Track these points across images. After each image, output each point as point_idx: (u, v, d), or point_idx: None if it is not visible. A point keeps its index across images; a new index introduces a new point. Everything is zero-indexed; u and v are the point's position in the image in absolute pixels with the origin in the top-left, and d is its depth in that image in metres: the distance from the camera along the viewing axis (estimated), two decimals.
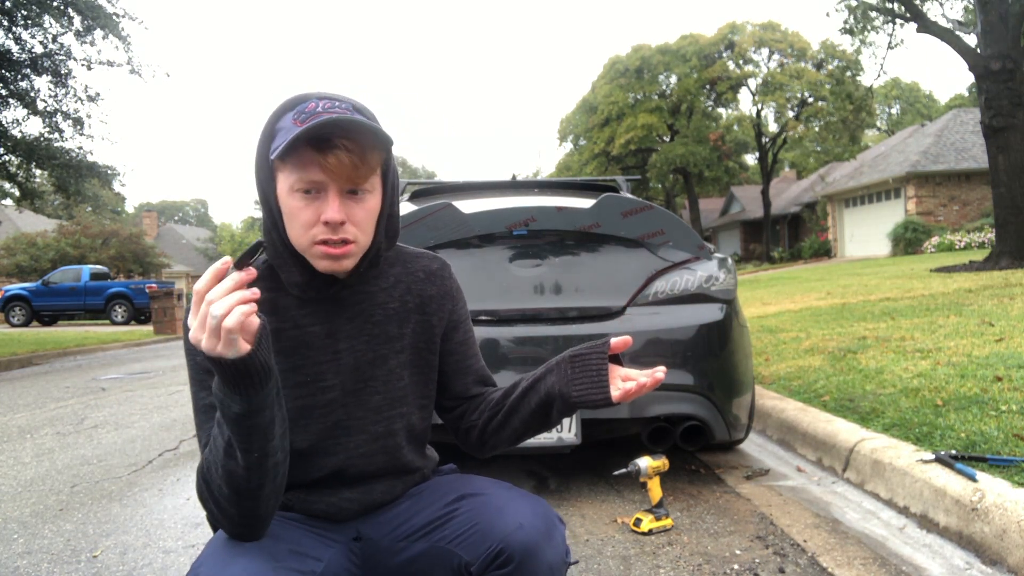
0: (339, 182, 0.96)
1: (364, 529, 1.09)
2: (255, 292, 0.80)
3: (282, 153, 0.94)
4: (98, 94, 10.86)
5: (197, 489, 0.96)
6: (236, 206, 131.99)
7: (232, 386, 0.82)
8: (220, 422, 0.88)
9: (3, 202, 13.65)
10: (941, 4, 16.97)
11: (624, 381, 1.01)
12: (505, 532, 0.96)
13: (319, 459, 1.07)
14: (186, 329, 1.02)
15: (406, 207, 2.75)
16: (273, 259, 1.04)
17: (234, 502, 0.91)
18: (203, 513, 1.52)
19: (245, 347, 0.80)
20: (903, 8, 12.45)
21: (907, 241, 20.23)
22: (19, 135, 10.54)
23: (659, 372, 0.98)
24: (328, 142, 0.93)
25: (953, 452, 2.16)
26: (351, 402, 1.07)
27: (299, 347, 1.04)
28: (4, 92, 10.05)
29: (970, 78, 13.83)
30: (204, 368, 1.00)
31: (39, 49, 10.20)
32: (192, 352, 1.01)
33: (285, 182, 0.97)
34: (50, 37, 10.22)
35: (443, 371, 1.19)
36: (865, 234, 24.52)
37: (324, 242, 0.97)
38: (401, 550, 1.07)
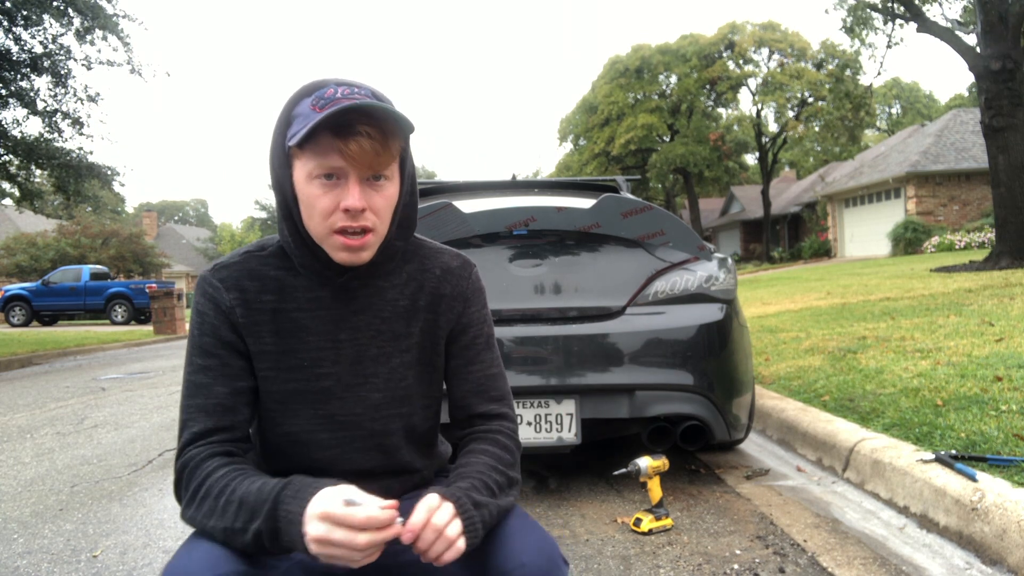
0: (359, 169, 0.95)
1: None
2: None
3: (302, 139, 0.93)
4: (98, 94, 10.87)
5: (177, 480, 0.96)
6: (236, 206, 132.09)
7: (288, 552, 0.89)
8: (245, 513, 0.88)
9: (3, 202, 13.63)
10: (941, 4, 16.94)
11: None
12: (505, 569, 0.92)
13: (312, 451, 1.06)
14: (195, 306, 1.04)
15: None
16: (287, 248, 1.04)
17: (214, 527, 0.91)
18: None
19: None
20: (903, 8, 12.45)
21: (907, 241, 20.23)
22: (19, 135, 10.55)
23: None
24: (349, 128, 0.92)
25: (953, 452, 2.17)
26: (349, 396, 1.06)
27: (299, 330, 1.04)
28: (4, 92, 10.04)
29: (970, 78, 13.84)
30: (203, 348, 1.01)
31: (39, 49, 10.20)
32: (195, 326, 1.02)
33: (303, 169, 0.96)
34: (50, 37, 10.22)
35: (445, 375, 1.15)
36: (865, 234, 24.51)
37: (343, 231, 0.96)
38: (396, 553, 1.03)
